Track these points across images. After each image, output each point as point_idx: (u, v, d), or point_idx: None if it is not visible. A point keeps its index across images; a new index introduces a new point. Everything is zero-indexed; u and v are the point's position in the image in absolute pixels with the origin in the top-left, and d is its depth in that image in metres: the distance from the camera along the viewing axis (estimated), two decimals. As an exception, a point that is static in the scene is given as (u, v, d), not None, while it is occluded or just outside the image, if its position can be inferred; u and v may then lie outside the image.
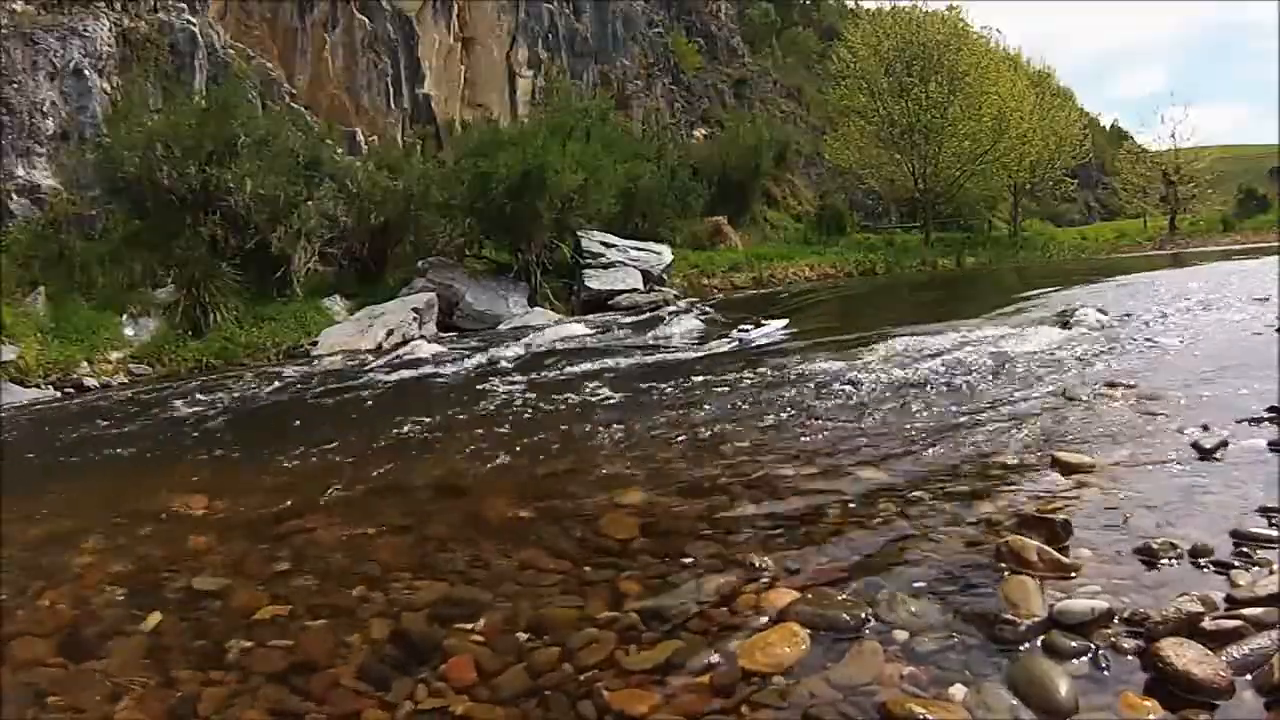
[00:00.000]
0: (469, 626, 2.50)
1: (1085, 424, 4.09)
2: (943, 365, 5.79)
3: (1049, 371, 5.41)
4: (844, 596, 2.43)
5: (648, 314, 11.99)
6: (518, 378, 7.03)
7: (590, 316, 12.21)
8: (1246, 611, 2.09)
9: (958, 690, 1.96)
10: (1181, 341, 6.27)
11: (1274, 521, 2.64)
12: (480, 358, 8.41)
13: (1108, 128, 46.69)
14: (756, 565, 2.71)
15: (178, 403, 6.88)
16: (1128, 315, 7.87)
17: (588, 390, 6.13)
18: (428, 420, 5.56)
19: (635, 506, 3.43)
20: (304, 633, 2.57)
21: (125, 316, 9.89)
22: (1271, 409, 3.83)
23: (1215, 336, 6.48)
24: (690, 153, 21.81)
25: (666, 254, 15.16)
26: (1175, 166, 32.07)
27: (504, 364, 7.96)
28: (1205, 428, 3.71)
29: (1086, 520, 2.82)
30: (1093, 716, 1.85)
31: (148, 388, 8.25)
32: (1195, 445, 3.47)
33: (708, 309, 11.79)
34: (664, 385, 6.09)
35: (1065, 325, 7.42)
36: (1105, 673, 1.98)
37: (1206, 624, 2.05)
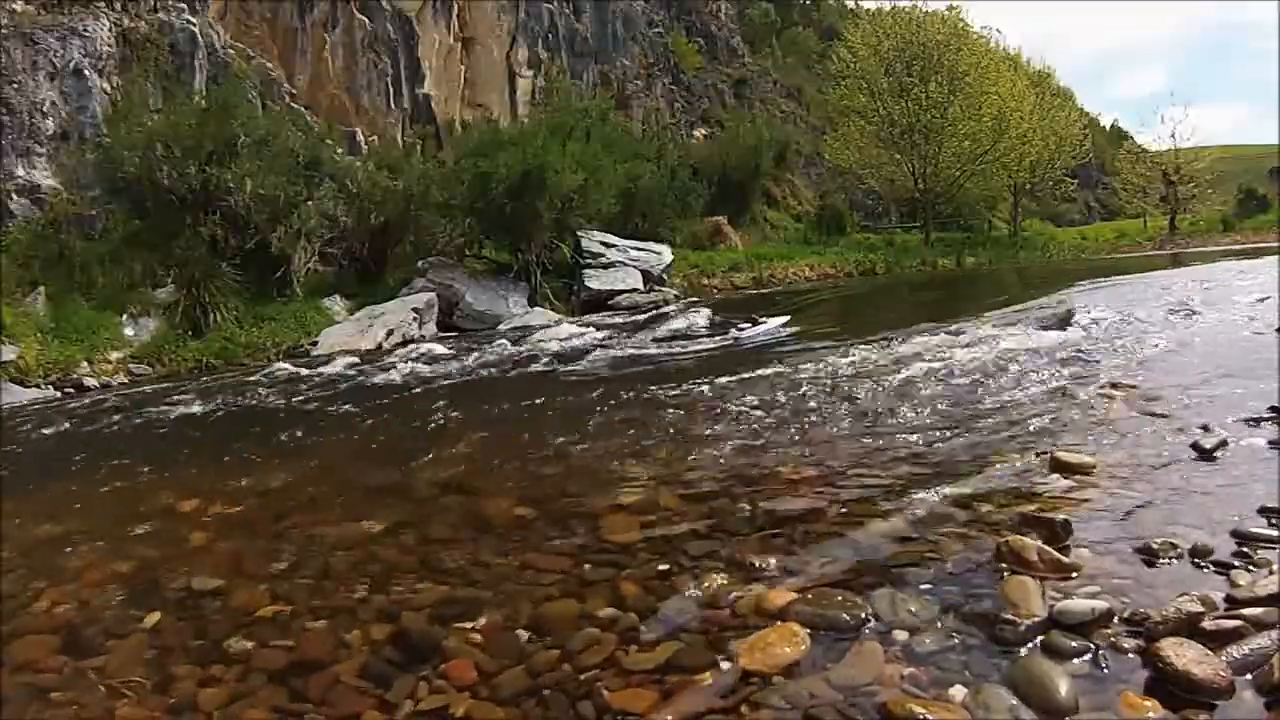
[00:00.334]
0: (469, 626, 2.50)
1: (1085, 424, 4.08)
2: (942, 365, 5.79)
3: (1049, 371, 5.40)
4: (844, 596, 2.43)
5: (648, 314, 11.98)
6: (518, 378, 7.03)
7: (590, 316, 12.21)
8: (1246, 611, 2.09)
9: (958, 690, 1.96)
10: (1181, 341, 6.26)
11: (1274, 521, 2.64)
12: (480, 358, 8.41)
13: (1108, 128, 46.73)
14: (756, 565, 2.71)
15: (178, 402, 6.89)
16: (1128, 315, 7.85)
17: (588, 390, 6.14)
18: (428, 420, 5.57)
19: (635, 506, 3.43)
20: (304, 632, 2.57)
21: (125, 316, 9.91)
22: (1272, 409, 3.83)
23: (1215, 336, 6.47)
24: (690, 153, 21.83)
25: (666, 254, 15.17)
26: (1175, 166, 32.07)
27: (504, 364, 7.97)
28: (1205, 428, 3.70)
29: (1086, 520, 2.82)
30: (1093, 716, 1.84)
31: (148, 388, 8.26)
32: (1195, 445, 3.46)
33: (708, 309, 11.77)
34: (664, 385, 6.09)
35: (1065, 325, 7.41)
36: (1105, 673, 1.98)
37: (1206, 624, 2.04)
